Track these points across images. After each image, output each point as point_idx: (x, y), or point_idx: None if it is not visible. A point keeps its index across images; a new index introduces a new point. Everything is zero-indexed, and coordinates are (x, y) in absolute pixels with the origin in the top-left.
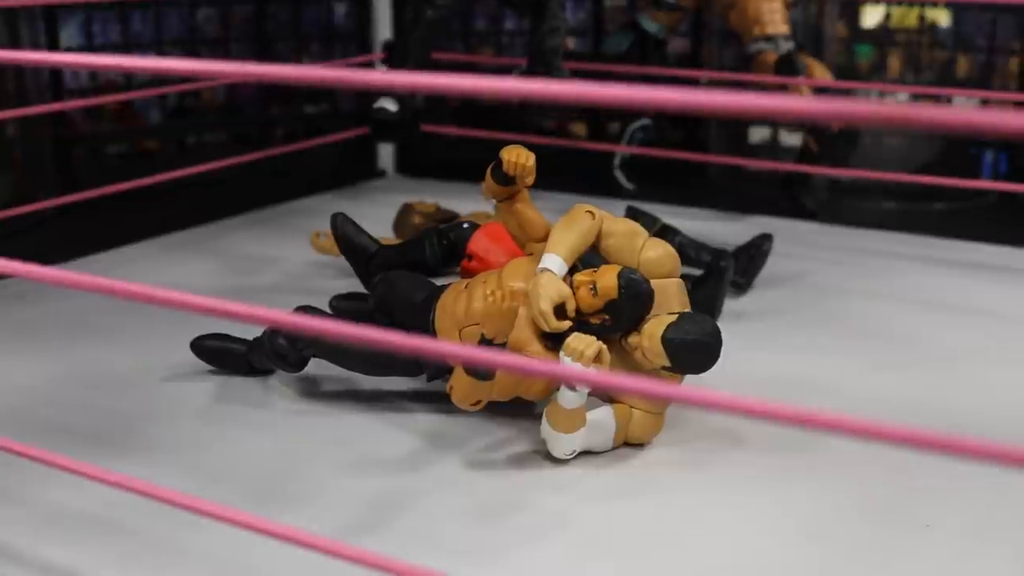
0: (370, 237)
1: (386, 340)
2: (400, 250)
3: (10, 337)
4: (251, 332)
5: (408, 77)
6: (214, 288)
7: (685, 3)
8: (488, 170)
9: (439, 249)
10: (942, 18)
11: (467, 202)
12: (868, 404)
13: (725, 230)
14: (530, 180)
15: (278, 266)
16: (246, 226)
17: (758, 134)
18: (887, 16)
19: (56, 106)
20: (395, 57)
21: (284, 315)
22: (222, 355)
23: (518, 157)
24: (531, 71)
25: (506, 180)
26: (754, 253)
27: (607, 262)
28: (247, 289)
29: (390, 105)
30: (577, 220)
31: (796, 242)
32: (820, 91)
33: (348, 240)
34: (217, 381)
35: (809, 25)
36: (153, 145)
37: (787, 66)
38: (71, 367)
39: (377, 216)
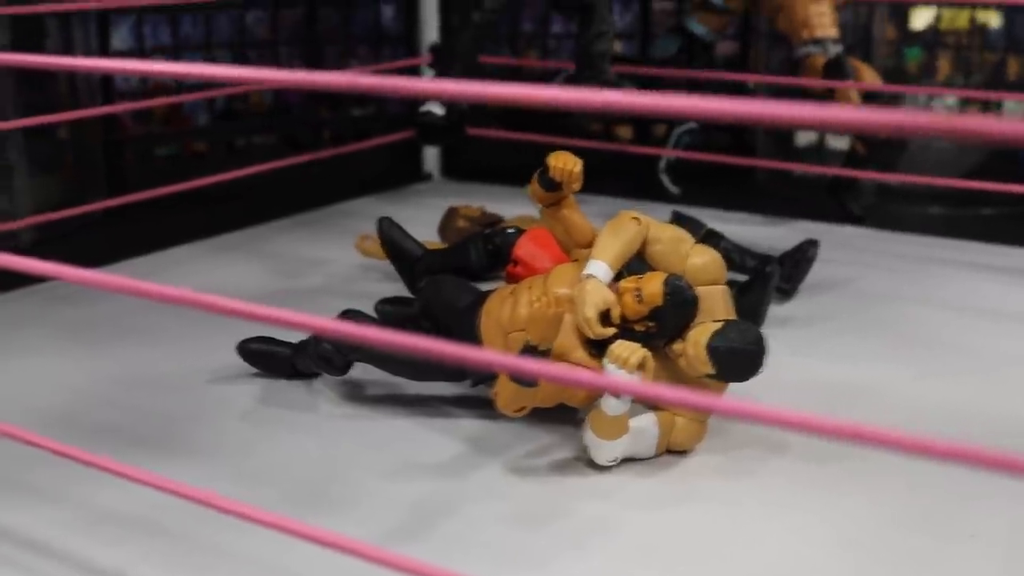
0: (415, 241)
1: (431, 348)
2: (445, 255)
3: (58, 337)
4: (295, 335)
5: (456, 85)
6: (260, 290)
7: (733, 5)
8: (535, 175)
9: (484, 254)
10: (993, 20)
11: (513, 205)
12: (915, 413)
13: (771, 235)
14: (577, 186)
15: (324, 268)
16: (293, 228)
17: (805, 138)
18: (937, 18)
19: (107, 109)
20: (442, 61)
21: (328, 322)
22: (267, 358)
23: (565, 163)
24: (578, 75)
25: (553, 186)
26: (800, 259)
27: (653, 269)
28: (293, 291)
29: (437, 109)
30: (623, 226)
31: (842, 247)
32: (869, 95)
33: (394, 244)
34: (262, 384)
35: (858, 27)
36: (202, 147)
37: (836, 70)
38: (117, 368)
39: (423, 219)
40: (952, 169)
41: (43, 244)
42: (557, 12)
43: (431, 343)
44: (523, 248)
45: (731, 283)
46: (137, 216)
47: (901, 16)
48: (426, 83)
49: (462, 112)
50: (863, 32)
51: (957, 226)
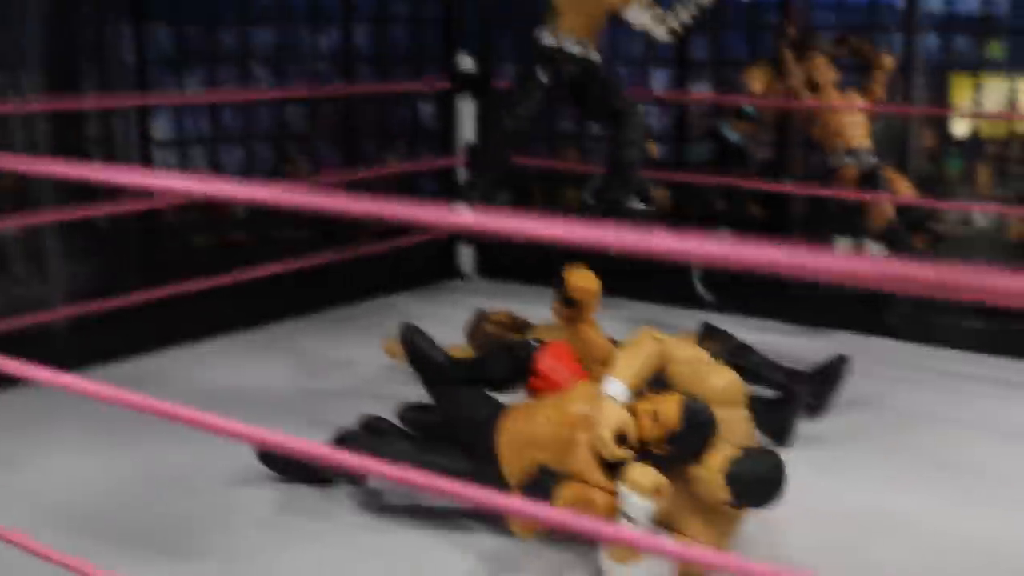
0: (439, 349)
1: (449, 489)
2: (467, 365)
3: (83, 432)
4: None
5: (488, 220)
6: (287, 389)
7: (766, 116)
8: (555, 291)
9: (506, 366)
10: None
11: (546, 307)
12: (943, 544)
13: (804, 346)
14: (595, 306)
15: (352, 368)
16: (325, 324)
17: (842, 243)
18: (976, 128)
19: (144, 204)
20: (475, 164)
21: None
22: (286, 463)
23: (583, 283)
24: (608, 182)
25: (570, 303)
26: (830, 376)
27: (672, 388)
28: (319, 391)
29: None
30: (642, 345)
31: (875, 360)
32: (902, 207)
33: (415, 352)
34: (280, 488)
35: (896, 135)
36: (239, 238)
37: (870, 182)
38: (136, 465)
39: (454, 319)
40: None
41: (77, 331)
42: (589, 119)
43: (447, 483)
44: (544, 362)
45: (759, 399)
46: (172, 305)
47: (940, 122)
48: (456, 216)
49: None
50: (900, 139)
51: (995, 341)
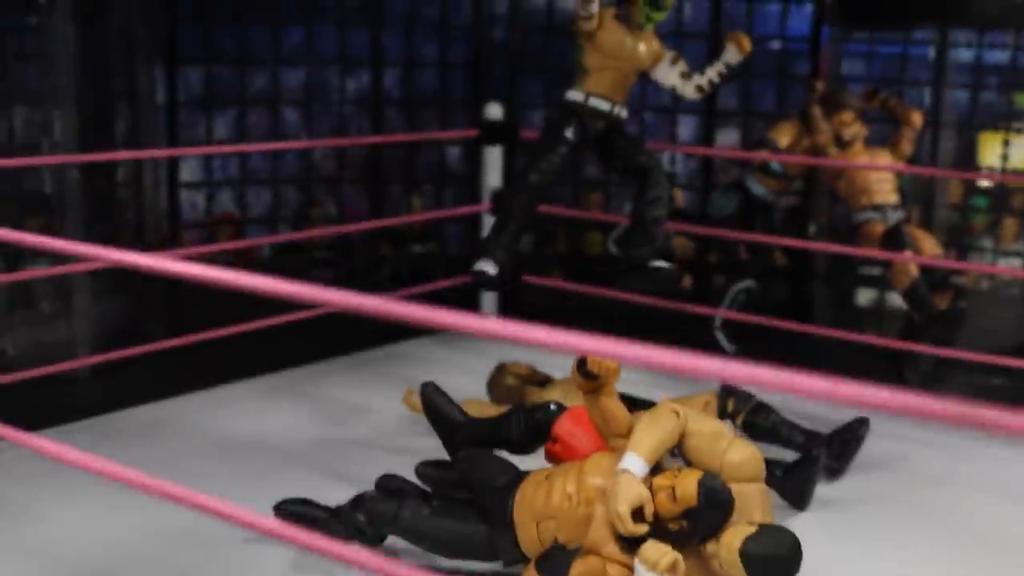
0: (458, 408)
1: None
2: (487, 426)
3: (97, 482)
4: (333, 498)
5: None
6: (306, 437)
7: (792, 171)
8: (574, 363)
9: (525, 429)
10: None
11: (567, 357)
12: None
13: (824, 403)
14: (614, 380)
15: (371, 417)
16: (346, 369)
17: (865, 296)
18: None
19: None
20: (500, 215)
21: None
22: (304, 521)
23: (602, 357)
24: (630, 235)
25: (590, 376)
26: (849, 438)
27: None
28: (338, 441)
29: (489, 268)
30: (661, 419)
31: (898, 419)
32: (926, 267)
33: (435, 410)
34: (298, 547)
35: (922, 184)
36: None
37: (893, 241)
38: (155, 519)
39: (473, 367)
40: (1014, 339)
41: (102, 373)
42: (614, 173)
43: None
44: (562, 426)
45: (777, 462)
46: (195, 348)
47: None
48: (485, 323)
49: (517, 268)
50: (927, 189)
51: (1016, 398)
